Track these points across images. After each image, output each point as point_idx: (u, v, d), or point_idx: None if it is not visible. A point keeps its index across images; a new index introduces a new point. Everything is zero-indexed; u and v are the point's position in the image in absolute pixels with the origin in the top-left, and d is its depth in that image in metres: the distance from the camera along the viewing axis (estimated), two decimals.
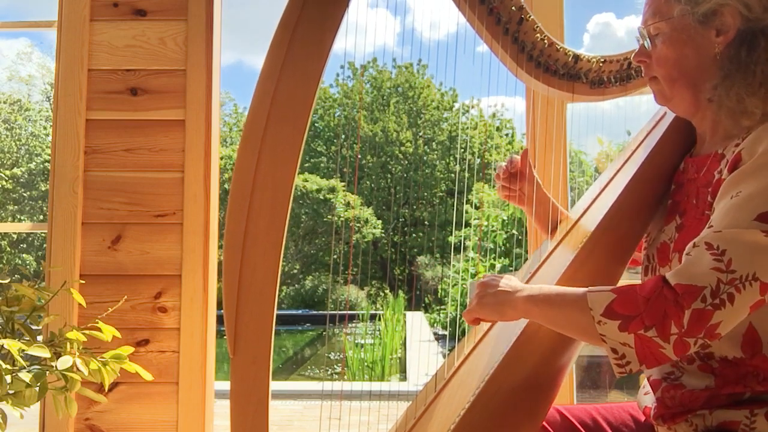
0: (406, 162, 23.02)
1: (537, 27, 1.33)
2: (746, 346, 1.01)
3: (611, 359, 0.93)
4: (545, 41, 1.35)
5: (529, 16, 1.32)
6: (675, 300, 0.89)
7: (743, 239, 0.91)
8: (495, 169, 1.50)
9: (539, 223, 1.50)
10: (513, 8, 1.31)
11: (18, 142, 19.82)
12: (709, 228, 0.95)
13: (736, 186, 0.97)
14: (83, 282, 1.93)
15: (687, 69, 1.10)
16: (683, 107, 1.16)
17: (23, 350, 1.25)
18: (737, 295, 0.89)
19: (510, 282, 1.08)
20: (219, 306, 1.64)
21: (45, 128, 20.08)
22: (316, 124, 24.30)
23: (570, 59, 1.37)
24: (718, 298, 0.88)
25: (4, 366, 1.23)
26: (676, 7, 1.09)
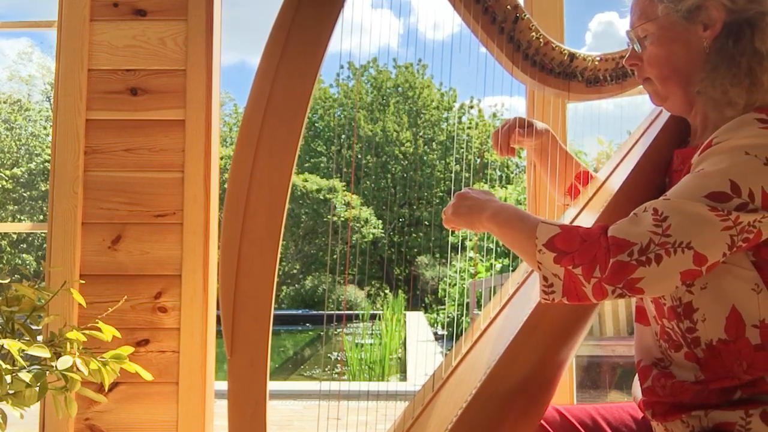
0: (406, 162, 22.99)
1: (532, 26, 1.34)
2: (730, 328, 1.02)
3: (540, 285, 1.01)
4: (541, 40, 1.35)
5: (525, 15, 1.33)
6: (606, 248, 0.95)
7: (686, 209, 0.95)
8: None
9: (552, 180, 1.52)
10: (508, 7, 1.31)
11: (18, 142, 19.81)
12: (663, 196, 0.99)
13: (699, 164, 1.00)
14: (83, 282, 1.93)
15: (678, 66, 1.11)
16: (678, 105, 1.17)
17: (23, 350, 1.25)
18: (665, 258, 0.93)
19: (482, 197, 1.17)
20: (219, 306, 1.64)
21: (45, 128, 20.07)
22: (316, 124, 24.28)
23: (566, 58, 1.37)
24: (645, 255, 0.93)
25: (4, 366, 1.23)
26: (659, 7, 1.11)
